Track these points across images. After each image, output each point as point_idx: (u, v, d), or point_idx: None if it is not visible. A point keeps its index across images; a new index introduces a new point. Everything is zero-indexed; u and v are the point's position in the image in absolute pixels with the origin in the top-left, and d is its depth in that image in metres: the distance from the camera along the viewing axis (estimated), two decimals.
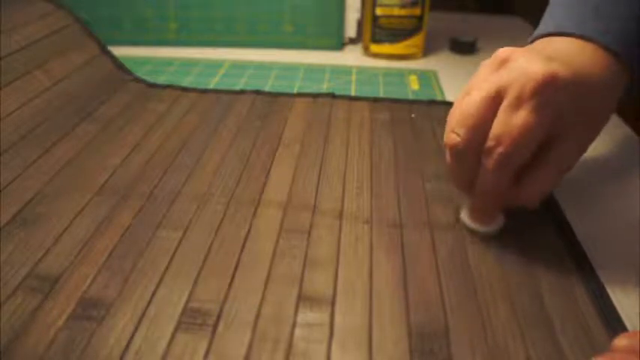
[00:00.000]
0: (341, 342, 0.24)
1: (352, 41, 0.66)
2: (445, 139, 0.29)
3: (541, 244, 0.30)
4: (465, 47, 0.63)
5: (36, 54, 0.42)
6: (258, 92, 0.49)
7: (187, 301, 0.26)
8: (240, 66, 0.58)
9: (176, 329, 0.24)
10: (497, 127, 0.27)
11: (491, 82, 0.27)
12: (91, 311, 0.25)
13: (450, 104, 0.47)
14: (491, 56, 0.30)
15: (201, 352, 0.23)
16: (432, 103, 0.48)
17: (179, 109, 0.45)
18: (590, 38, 0.30)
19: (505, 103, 0.27)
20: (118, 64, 0.50)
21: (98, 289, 0.27)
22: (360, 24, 0.65)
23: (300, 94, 0.49)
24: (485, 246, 0.30)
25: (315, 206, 0.33)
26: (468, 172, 0.29)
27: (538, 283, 0.28)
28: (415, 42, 0.60)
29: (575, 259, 0.29)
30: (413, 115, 0.45)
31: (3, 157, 0.35)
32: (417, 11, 0.59)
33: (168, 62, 0.59)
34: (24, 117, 0.38)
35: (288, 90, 0.51)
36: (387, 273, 0.28)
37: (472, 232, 0.31)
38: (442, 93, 0.52)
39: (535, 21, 0.40)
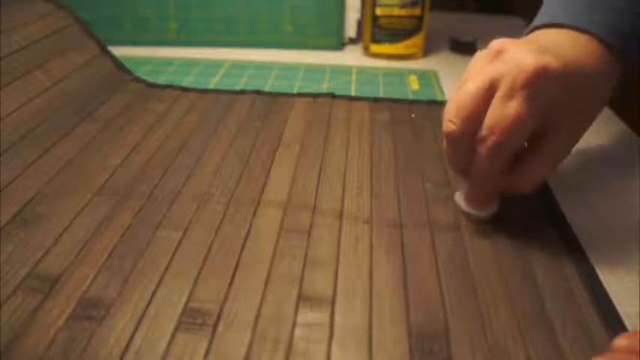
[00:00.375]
0: (341, 342, 0.24)
1: (352, 41, 0.66)
2: (443, 128, 0.30)
3: (541, 244, 0.30)
4: (465, 47, 0.63)
5: (36, 54, 0.42)
6: (258, 92, 0.49)
7: (187, 301, 0.26)
8: (240, 66, 0.58)
9: (176, 329, 0.24)
10: (490, 116, 0.28)
11: (485, 73, 0.28)
12: (91, 311, 0.25)
13: None
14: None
15: (201, 352, 0.23)
16: (432, 103, 0.48)
17: (179, 109, 0.45)
18: (584, 30, 0.31)
19: (498, 94, 0.27)
20: (118, 64, 0.50)
21: (98, 289, 0.27)
22: (360, 24, 0.65)
23: (300, 94, 0.49)
24: (486, 246, 0.30)
25: (315, 206, 0.33)
26: (464, 158, 0.30)
27: (537, 283, 0.28)
28: (415, 42, 0.60)
29: (575, 259, 0.29)
30: (413, 115, 0.45)
31: (3, 157, 0.35)
32: (417, 11, 0.59)
33: (168, 62, 0.59)
34: (24, 117, 0.38)
35: (288, 90, 0.51)
36: (387, 273, 0.28)
37: (466, 215, 0.32)
38: (442, 93, 0.52)
39: None
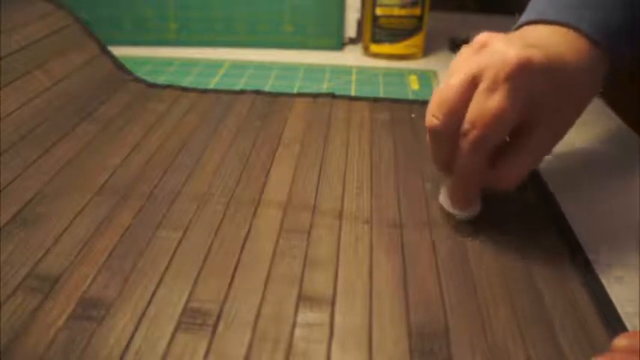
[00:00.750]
0: (341, 342, 0.24)
1: (352, 41, 0.66)
2: (426, 122, 0.30)
3: (541, 244, 0.30)
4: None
5: (36, 54, 0.42)
6: (258, 92, 0.49)
7: (187, 301, 0.26)
8: (240, 66, 0.58)
9: (176, 329, 0.24)
10: (472, 110, 0.27)
11: (468, 66, 0.28)
12: (91, 311, 0.25)
13: None
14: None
15: (201, 352, 0.23)
16: None
17: (179, 109, 0.45)
18: (571, 26, 0.31)
19: (481, 87, 0.27)
20: (118, 64, 0.50)
21: (98, 289, 0.27)
22: (360, 24, 0.65)
23: (300, 94, 0.49)
24: (485, 246, 0.30)
25: (315, 206, 0.33)
26: (447, 153, 0.30)
27: (538, 282, 0.28)
28: (415, 42, 0.60)
29: (575, 259, 0.29)
30: (413, 115, 0.45)
31: (3, 157, 0.35)
32: (417, 11, 0.59)
33: (168, 62, 0.59)
34: (24, 117, 0.38)
35: (288, 90, 0.51)
36: (387, 273, 0.28)
37: (449, 216, 0.32)
38: None
39: None
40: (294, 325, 0.25)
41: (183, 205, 0.33)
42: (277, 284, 0.27)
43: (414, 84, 0.54)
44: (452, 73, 0.29)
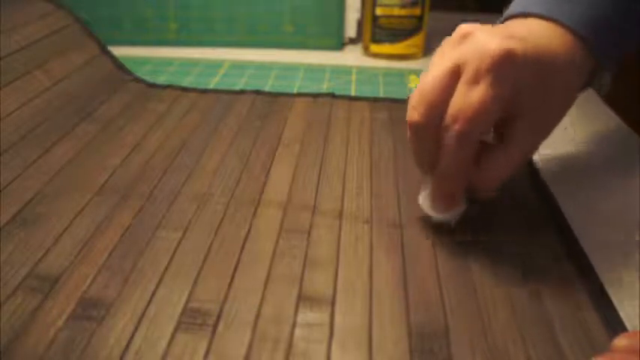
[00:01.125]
0: (341, 342, 0.24)
1: (352, 41, 0.66)
2: (407, 116, 0.29)
3: (541, 244, 0.30)
4: None
5: (36, 54, 0.42)
6: (258, 92, 0.49)
7: (187, 301, 0.26)
8: (240, 66, 0.58)
9: (176, 329, 0.24)
10: (454, 103, 0.27)
11: (449, 57, 0.27)
12: (91, 311, 0.25)
13: None
14: None
15: (201, 352, 0.23)
16: None
17: (179, 109, 0.45)
18: (554, 20, 0.30)
19: (462, 79, 0.27)
20: (118, 64, 0.50)
21: (98, 289, 0.27)
22: (360, 24, 0.65)
23: (300, 94, 0.49)
24: (485, 246, 0.30)
25: (315, 206, 0.33)
26: (429, 151, 0.29)
27: (538, 283, 0.28)
28: (415, 42, 0.60)
29: (574, 259, 0.29)
30: None
31: (3, 157, 0.35)
32: (417, 11, 0.59)
33: (168, 62, 0.59)
34: (24, 117, 0.38)
35: (288, 90, 0.51)
36: (387, 273, 0.28)
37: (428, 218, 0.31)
38: None
39: None
40: (294, 325, 0.25)
41: (183, 205, 0.33)
42: (277, 284, 0.27)
43: (414, 84, 0.54)
44: (433, 64, 0.28)
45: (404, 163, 0.38)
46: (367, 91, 0.52)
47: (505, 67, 0.26)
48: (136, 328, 0.24)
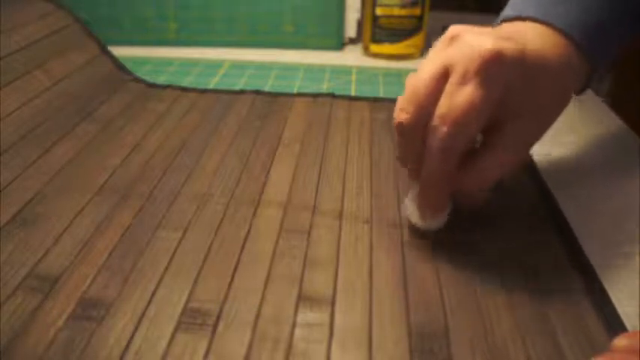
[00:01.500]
0: (341, 342, 0.24)
1: (352, 41, 0.66)
2: (394, 117, 0.28)
3: (541, 244, 0.30)
4: None
5: (36, 54, 0.42)
6: (258, 92, 0.49)
7: (187, 301, 0.26)
8: (240, 66, 0.58)
9: (176, 329, 0.24)
10: (442, 105, 0.26)
11: (438, 58, 0.27)
12: (91, 311, 0.25)
13: None
14: None
15: (201, 352, 0.23)
16: None
17: (179, 109, 0.45)
18: (548, 23, 0.30)
19: (451, 80, 0.26)
20: (118, 64, 0.50)
21: (98, 289, 0.27)
22: (360, 24, 0.65)
23: (300, 94, 0.49)
24: (485, 246, 0.30)
25: (315, 206, 0.33)
26: (416, 153, 0.28)
27: (537, 283, 0.28)
28: (415, 42, 0.60)
29: (574, 259, 0.29)
30: None
31: (3, 157, 0.35)
32: (417, 11, 0.59)
33: (168, 62, 0.59)
34: (24, 117, 0.38)
35: (288, 90, 0.51)
36: (387, 273, 0.28)
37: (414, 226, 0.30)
38: None
39: None
40: (294, 325, 0.25)
41: (183, 205, 0.33)
42: (277, 284, 0.27)
43: None
44: (422, 66, 0.28)
45: None
46: (367, 91, 0.52)
47: (494, 69, 0.26)
48: (136, 328, 0.24)
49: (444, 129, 0.26)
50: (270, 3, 0.62)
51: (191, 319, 0.25)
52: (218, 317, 0.25)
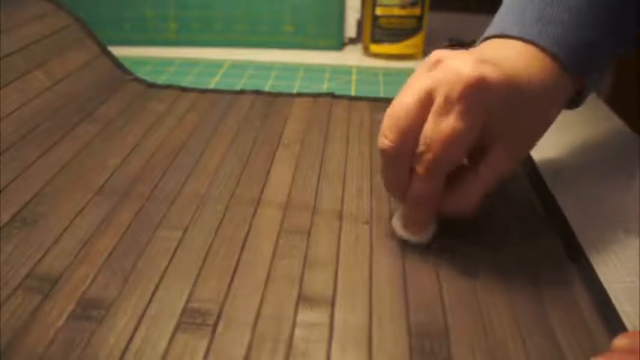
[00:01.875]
0: (341, 342, 0.24)
1: (352, 41, 0.66)
2: (378, 143, 0.28)
3: (541, 244, 0.30)
4: (465, 47, 0.63)
5: (36, 54, 0.42)
6: (258, 92, 0.49)
7: (187, 301, 0.26)
8: (240, 66, 0.58)
9: (176, 329, 0.24)
10: (427, 132, 0.26)
11: (421, 83, 0.27)
12: (91, 311, 0.25)
13: None
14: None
15: (201, 352, 0.23)
16: None
17: (179, 109, 0.45)
18: (531, 42, 0.29)
19: (435, 107, 0.26)
20: (118, 64, 0.50)
21: (98, 289, 0.27)
22: (360, 24, 0.65)
23: (300, 94, 0.49)
24: (485, 246, 0.30)
25: (315, 206, 0.33)
26: (400, 177, 0.28)
27: (538, 283, 0.28)
28: (415, 42, 0.60)
29: (574, 259, 0.29)
30: None
31: (3, 157, 0.35)
32: (417, 11, 0.59)
33: (168, 62, 0.59)
34: (24, 117, 0.38)
35: (288, 90, 0.51)
36: (387, 273, 0.28)
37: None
38: None
39: None
40: (294, 325, 0.25)
41: (183, 205, 0.33)
42: (277, 284, 0.27)
43: None
44: (405, 90, 0.28)
45: None
46: (367, 91, 0.52)
47: (477, 94, 0.26)
48: (136, 328, 0.24)
49: (430, 155, 0.26)
50: (270, 3, 0.62)
51: (191, 319, 0.25)
52: (218, 317, 0.25)
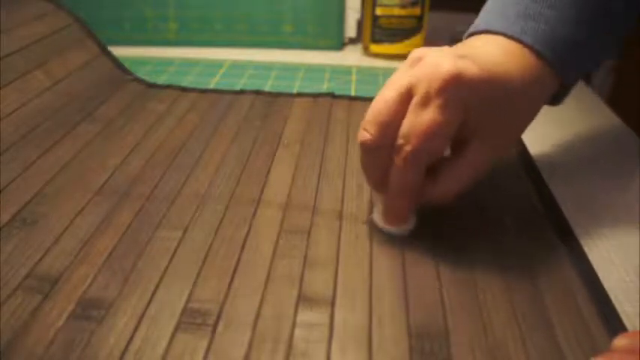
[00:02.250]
0: (341, 342, 0.24)
1: (352, 41, 0.66)
2: (358, 136, 0.29)
3: (541, 244, 0.30)
4: None
5: (36, 54, 0.42)
6: (258, 92, 0.49)
7: (187, 301, 0.26)
8: (240, 66, 0.58)
9: (176, 329, 0.24)
10: (406, 125, 0.27)
11: (402, 79, 0.28)
12: (91, 311, 0.25)
13: None
14: None
15: (201, 352, 0.23)
16: None
17: (179, 109, 0.45)
18: (514, 37, 0.30)
19: (414, 101, 0.27)
20: (118, 64, 0.50)
21: (98, 289, 0.27)
22: (360, 24, 0.65)
23: (300, 94, 0.49)
24: (485, 247, 0.30)
25: (315, 206, 0.33)
26: (380, 169, 0.29)
27: (538, 283, 0.28)
28: (415, 42, 0.60)
29: (575, 259, 0.29)
30: None
31: (3, 157, 0.35)
32: (417, 11, 0.59)
33: (168, 62, 0.59)
34: (24, 117, 0.38)
35: (288, 90, 0.51)
36: (387, 273, 0.28)
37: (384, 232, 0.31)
38: None
39: None
40: (294, 325, 0.25)
41: (183, 205, 0.33)
42: (277, 284, 0.27)
43: None
44: (386, 87, 0.28)
45: None
46: (367, 91, 0.52)
47: (455, 89, 0.26)
48: (136, 328, 0.24)
49: (408, 147, 0.27)
50: (270, 3, 0.62)
51: (191, 319, 0.25)
52: (218, 317, 0.25)
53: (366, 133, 0.28)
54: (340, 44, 0.64)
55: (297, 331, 0.25)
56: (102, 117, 0.43)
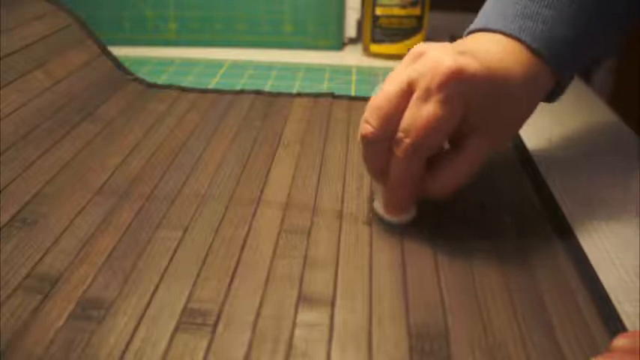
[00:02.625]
0: (341, 342, 0.24)
1: (352, 41, 0.66)
2: (359, 130, 0.29)
3: (541, 244, 0.30)
4: None
5: (36, 54, 0.42)
6: (258, 92, 0.49)
7: (187, 301, 0.26)
8: (240, 66, 0.58)
9: (176, 329, 0.24)
10: (406, 119, 0.27)
11: (403, 74, 0.28)
12: (91, 311, 0.25)
13: None
14: None
15: (201, 352, 0.23)
16: None
17: (179, 109, 0.45)
18: (513, 36, 0.30)
19: (415, 96, 0.27)
20: (117, 64, 0.50)
21: (98, 289, 0.27)
22: (360, 24, 0.65)
23: (300, 94, 0.49)
24: (485, 246, 0.30)
25: (315, 206, 0.33)
26: (381, 161, 0.29)
27: (538, 283, 0.28)
28: (415, 42, 0.60)
29: (574, 259, 0.29)
30: None
31: (3, 157, 0.35)
32: (417, 11, 0.59)
33: (169, 62, 0.59)
34: (24, 117, 0.38)
35: (288, 90, 0.51)
36: (387, 273, 0.28)
37: (386, 223, 0.31)
38: None
39: None
40: (294, 326, 0.25)
41: (183, 205, 0.33)
42: (277, 284, 0.27)
43: None
44: (388, 81, 0.29)
45: None
46: (367, 91, 0.52)
47: (455, 85, 0.26)
48: (136, 328, 0.24)
49: (408, 141, 0.27)
50: (270, 3, 0.62)
51: (191, 319, 0.25)
52: (218, 317, 0.25)
53: (367, 126, 0.28)
54: (340, 44, 0.64)
55: (297, 331, 0.25)
56: (102, 117, 0.43)
